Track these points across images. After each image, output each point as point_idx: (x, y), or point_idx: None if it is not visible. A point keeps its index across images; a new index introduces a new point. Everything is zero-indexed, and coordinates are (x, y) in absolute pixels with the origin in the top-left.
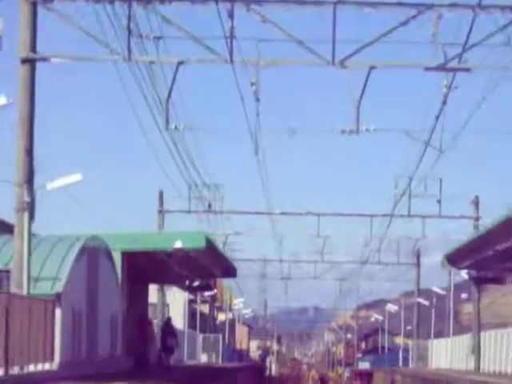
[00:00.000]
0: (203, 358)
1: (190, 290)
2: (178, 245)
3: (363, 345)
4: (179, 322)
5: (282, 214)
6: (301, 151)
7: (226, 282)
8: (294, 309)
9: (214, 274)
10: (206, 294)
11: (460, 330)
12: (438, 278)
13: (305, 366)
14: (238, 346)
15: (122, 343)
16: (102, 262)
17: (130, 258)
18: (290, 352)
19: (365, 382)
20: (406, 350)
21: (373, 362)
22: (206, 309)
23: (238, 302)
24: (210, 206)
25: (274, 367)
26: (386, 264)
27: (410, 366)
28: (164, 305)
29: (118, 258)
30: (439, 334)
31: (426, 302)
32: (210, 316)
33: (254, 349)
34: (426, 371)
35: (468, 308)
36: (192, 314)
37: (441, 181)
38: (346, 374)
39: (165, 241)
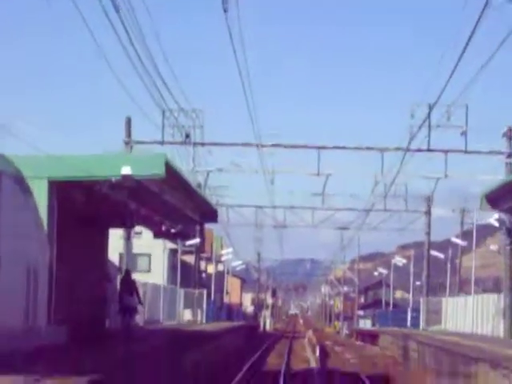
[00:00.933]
0: (187, 316)
1: (165, 237)
2: (126, 171)
3: (362, 299)
4: (160, 275)
5: (275, 145)
6: (298, 67)
7: (216, 232)
8: (290, 260)
9: (188, 217)
10: (188, 242)
11: (460, 284)
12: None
13: (301, 320)
14: (229, 301)
15: (49, 308)
16: (6, 192)
17: (63, 189)
18: (285, 305)
19: (367, 344)
20: (414, 309)
21: (375, 319)
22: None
23: (226, 253)
24: (187, 136)
25: (268, 322)
26: (393, 212)
27: (421, 327)
28: (130, 255)
29: (42, 189)
30: (440, 290)
31: (441, 255)
32: (195, 268)
33: (248, 303)
34: (452, 341)
35: (466, 261)
36: (177, 267)
37: (467, 108)
38: (345, 331)
39: (111, 166)
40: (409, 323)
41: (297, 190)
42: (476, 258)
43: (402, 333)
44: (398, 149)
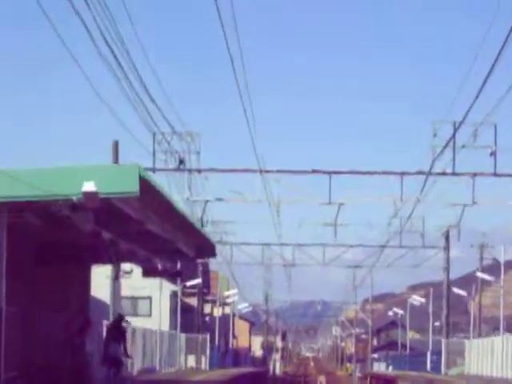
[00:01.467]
0: (190, 363)
1: (156, 275)
2: (89, 187)
3: (375, 340)
4: (164, 320)
5: (280, 171)
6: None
7: (221, 272)
8: (300, 303)
9: (181, 251)
10: (190, 283)
11: (468, 323)
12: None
13: (312, 363)
14: (237, 345)
15: None
16: None
17: (16, 211)
18: (296, 348)
19: None
20: (434, 352)
21: (390, 362)
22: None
23: (232, 294)
24: (181, 161)
25: (278, 366)
26: (409, 248)
27: (443, 371)
28: (118, 298)
29: None
30: (454, 330)
31: (463, 292)
32: (198, 311)
33: (257, 347)
34: None
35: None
36: (182, 311)
37: (495, 127)
38: (358, 374)
39: (72, 182)
40: (429, 367)
41: (306, 221)
42: (489, 296)
43: (425, 378)
44: (419, 173)
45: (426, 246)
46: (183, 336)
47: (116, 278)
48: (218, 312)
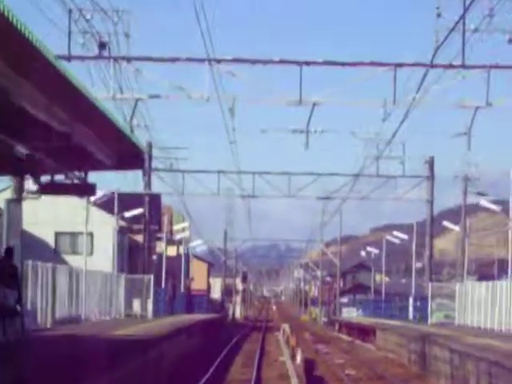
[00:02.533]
0: (135, 309)
1: (56, 191)
2: None
3: (341, 283)
4: (107, 259)
5: (236, 61)
6: None
7: (177, 209)
8: (261, 244)
9: (90, 156)
10: (128, 214)
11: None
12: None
13: (274, 307)
14: (189, 287)
15: None
16: None
17: None
18: (258, 291)
19: (356, 340)
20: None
21: (360, 307)
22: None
23: (181, 228)
24: (103, 45)
25: (238, 310)
26: (387, 177)
27: (430, 320)
28: (14, 225)
29: None
30: (409, 272)
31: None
32: (145, 249)
33: (217, 289)
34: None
35: (441, 243)
36: (129, 248)
37: None
38: (323, 319)
39: None
40: (411, 314)
41: (269, 127)
42: (451, 240)
43: (420, 333)
44: (417, 64)
45: (407, 176)
46: (122, 277)
47: (18, 199)
48: (162, 248)
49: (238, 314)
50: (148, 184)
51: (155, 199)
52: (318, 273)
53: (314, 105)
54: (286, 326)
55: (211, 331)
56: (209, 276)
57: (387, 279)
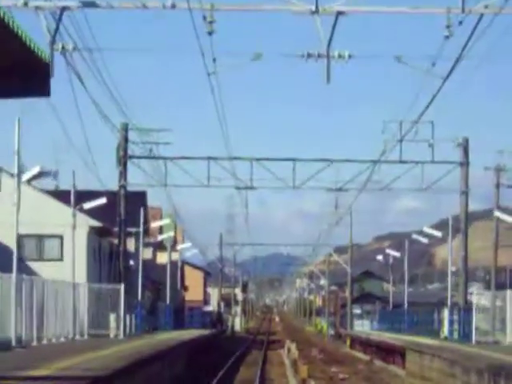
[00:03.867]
0: (112, 325)
1: None
2: None
3: (347, 293)
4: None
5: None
6: None
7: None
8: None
9: None
10: (88, 205)
11: (432, 275)
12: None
13: (277, 318)
14: (189, 298)
15: None
16: None
17: None
18: (260, 300)
19: (377, 361)
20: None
21: (375, 319)
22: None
23: (164, 226)
24: None
25: (238, 322)
26: (412, 164)
27: (474, 339)
28: None
29: None
30: (412, 281)
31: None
32: (120, 253)
33: (216, 300)
34: None
35: (443, 251)
36: (110, 254)
37: None
38: (330, 331)
39: None
40: (447, 331)
41: (266, 50)
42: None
43: (489, 361)
44: None
45: (437, 161)
46: (85, 287)
47: None
48: (139, 251)
49: (238, 327)
50: (123, 174)
51: (139, 198)
52: (322, 281)
53: (338, 15)
54: (291, 346)
55: (200, 353)
56: (205, 286)
57: (394, 289)
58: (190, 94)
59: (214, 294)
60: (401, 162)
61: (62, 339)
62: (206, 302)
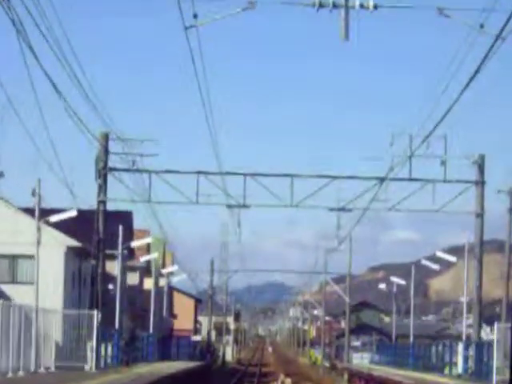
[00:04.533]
0: (89, 355)
1: None
2: None
3: (342, 323)
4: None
5: None
6: None
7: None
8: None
9: None
10: (54, 218)
11: (428, 307)
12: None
13: (270, 348)
14: (178, 326)
15: None
16: None
17: None
18: (252, 330)
19: None
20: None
21: (375, 352)
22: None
23: (152, 247)
24: None
25: (230, 351)
26: (422, 182)
27: (496, 376)
28: None
29: None
30: (408, 312)
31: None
32: (98, 276)
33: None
34: None
35: (438, 282)
36: (92, 278)
37: None
38: (325, 363)
39: None
40: (460, 368)
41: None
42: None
43: None
44: None
45: (449, 180)
46: (59, 314)
47: None
48: (117, 275)
49: (229, 357)
50: (103, 188)
51: (125, 218)
52: (316, 312)
53: None
54: (286, 381)
55: None
56: (196, 314)
57: (388, 319)
58: (175, 99)
59: (205, 322)
60: (410, 179)
61: (21, 373)
62: (196, 331)
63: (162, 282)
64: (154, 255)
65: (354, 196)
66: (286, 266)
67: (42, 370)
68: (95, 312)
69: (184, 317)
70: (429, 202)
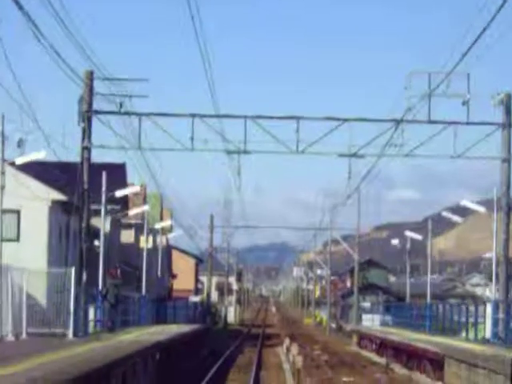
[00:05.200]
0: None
1: None
2: None
3: (348, 283)
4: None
5: None
6: None
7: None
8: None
9: None
10: (21, 159)
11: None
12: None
13: (273, 308)
14: (178, 287)
15: None
16: None
17: None
18: (256, 290)
19: (398, 367)
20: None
21: (388, 314)
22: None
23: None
24: None
25: (232, 312)
26: (442, 124)
27: None
28: None
29: None
30: (412, 271)
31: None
32: (82, 231)
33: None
34: None
35: (440, 242)
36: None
37: None
38: (332, 325)
39: None
40: (489, 332)
41: None
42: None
43: None
44: None
45: (472, 122)
46: (25, 273)
47: None
48: (101, 228)
49: (231, 318)
50: (87, 133)
51: (117, 170)
52: (319, 271)
53: None
54: (291, 346)
55: (175, 359)
56: (197, 274)
57: (394, 279)
58: (167, 33)
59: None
60: (430, 122)
61: None
62: (198, 291)
63: (160, 239)
64: (146, 207)
65: (366, 141)
66: (289, 224)
67: (9, 337)
68: (73, 269)
69: (184, 277)
70: (449, 147)
